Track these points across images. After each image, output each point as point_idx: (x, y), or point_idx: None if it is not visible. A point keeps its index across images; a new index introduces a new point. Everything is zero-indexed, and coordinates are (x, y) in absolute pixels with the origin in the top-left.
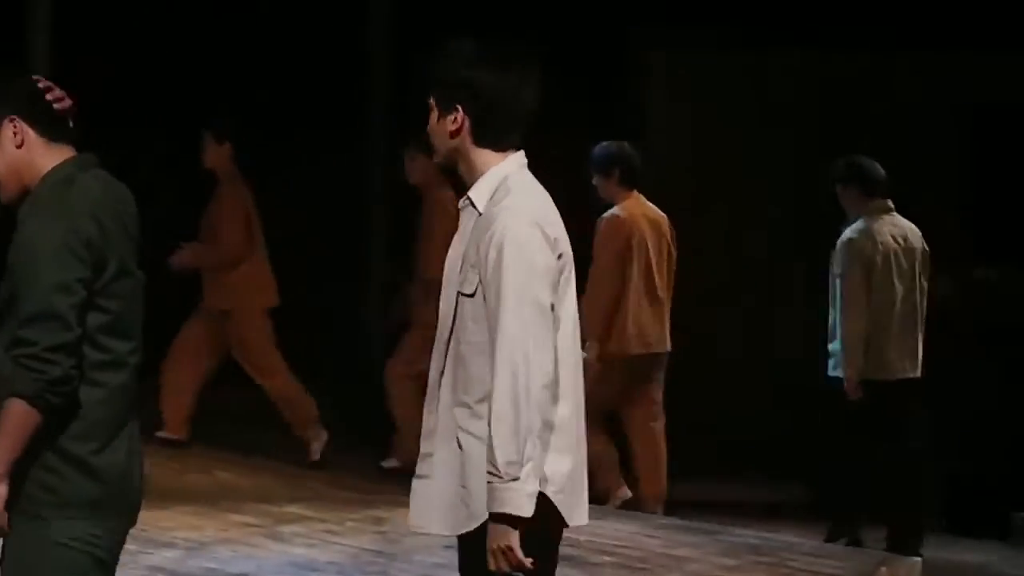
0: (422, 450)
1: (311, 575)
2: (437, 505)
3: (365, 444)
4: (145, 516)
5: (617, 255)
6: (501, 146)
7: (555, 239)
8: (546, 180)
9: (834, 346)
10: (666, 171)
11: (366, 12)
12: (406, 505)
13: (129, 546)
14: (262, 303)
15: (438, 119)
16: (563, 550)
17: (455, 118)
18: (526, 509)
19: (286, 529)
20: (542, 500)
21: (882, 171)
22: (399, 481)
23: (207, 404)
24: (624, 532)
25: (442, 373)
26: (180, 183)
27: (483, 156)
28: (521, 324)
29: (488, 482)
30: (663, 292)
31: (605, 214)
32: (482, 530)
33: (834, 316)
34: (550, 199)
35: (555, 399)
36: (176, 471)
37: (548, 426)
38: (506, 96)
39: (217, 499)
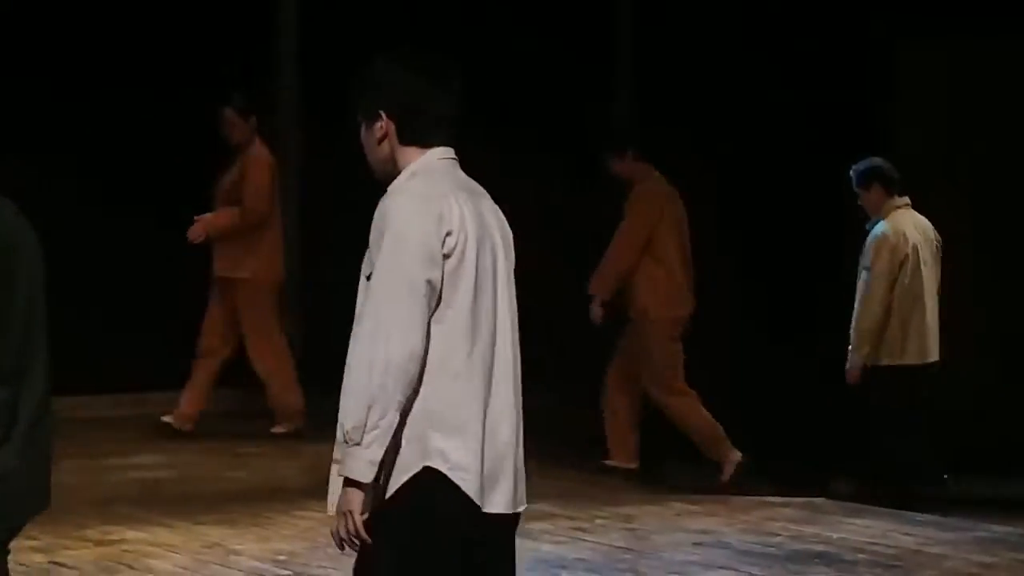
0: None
1: (560, 572)
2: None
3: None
4: None
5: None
6: (425, 142)
7: (441, 216)
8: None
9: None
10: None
11: None
12: (654, 503)
13: None
14: (274, 276)
15: (366, 131)
16: (815, 548)
17: (380, 125)
18: (365, 474)
19: (534, 526)
20: (439, 477)
21: (896, 171)
22: (643, 480)
23: None
24: (878, 529)
25: None
26: None
27: (409, 154)
28: (388, 294)
29: (338, 446)
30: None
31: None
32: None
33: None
34: (471, 189)
35: (450, 377)
36: None
37: (433, 402)
38: (420, 94)
39: None
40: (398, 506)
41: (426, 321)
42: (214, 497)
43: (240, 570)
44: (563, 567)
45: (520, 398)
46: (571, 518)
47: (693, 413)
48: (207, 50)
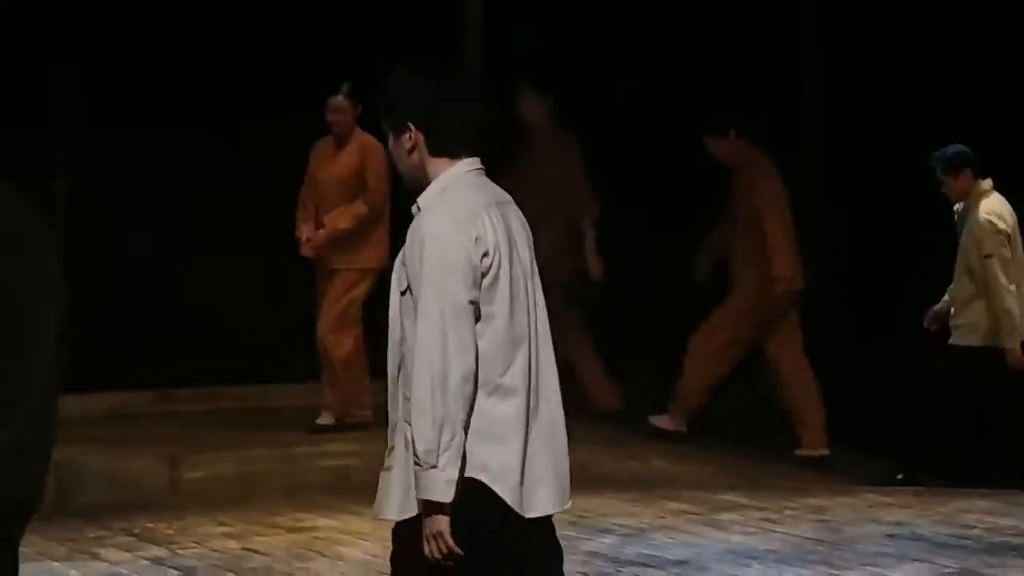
0: (388, 443)
1: (750, 563)
2: (393, 493)
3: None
4: (582, 503)
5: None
6: (453, 153)
7: (477, 238)
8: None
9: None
10: None
11: None
12: (846, 494)
13: (567, 531)
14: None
15: (394, 142)
16: (1013, 540)
17: (409, 136)
18: (445, 495)
19: (723, 517)
20: (481, 488)
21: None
22: (836, 470)
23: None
24: None
25: (399, 370)
26: None
27: (438, 165)
28: (437, 319)
29: (414, 471)
30: None
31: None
32: (417, 518)
33: (971, 291)
34: (498, 199)
35: (490, 391)
36: (610, 458)
37: (476, 416)
38: (447, 104)
39: (653, 486)
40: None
41: (475, 341)
42: None
43: None
44: (753, 558)
45: (559, 399)
46: (760, 509)
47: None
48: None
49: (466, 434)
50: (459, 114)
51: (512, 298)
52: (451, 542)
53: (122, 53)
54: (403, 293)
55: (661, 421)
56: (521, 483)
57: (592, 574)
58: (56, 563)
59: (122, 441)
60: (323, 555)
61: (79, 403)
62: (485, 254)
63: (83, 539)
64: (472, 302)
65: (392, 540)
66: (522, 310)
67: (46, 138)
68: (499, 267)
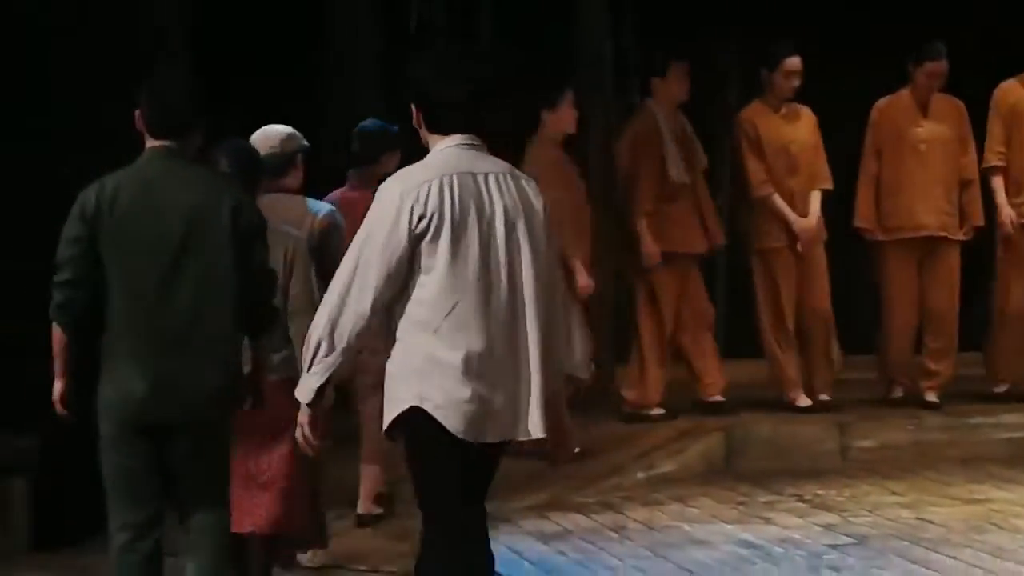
0: None
1: None
2: None
3: None
4: None
5: None
6: (443, 130)
7: (419, 200)
8: None
9: None
10: None
11: None
12: None
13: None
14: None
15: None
16: None
17: (415, 114)
18: (304, 397)
19: None
20: (424, 415)
21: None
22: None
23: None
24: None
25: None
26: None
27: (433, 140)
28: (349, 262)
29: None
30: None
31: None
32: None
33: None
34: (474, 170)
35: (432, 332)
36: None
37: (418, 353)
38: (434, 84)
39: None
40: (399, 430)
41: (378, 283)
42: None
43: None
44: None
45: (532, 341)
46: None
47: None
48: None
49: (403, 364)
50: (443, 97)
51: (452, 255)
52: (307, 432)
53: None
54: None
55: None
56: (466, 413)
57: None
58: (728, 525)
59: (788, 407)
60: (1000, 527)
61: (741, 368)
62: (422, 217)
63: (754, 503)
64: (390, 253)
65: None
66: (467, 266)
67: None
68: (438, 229)
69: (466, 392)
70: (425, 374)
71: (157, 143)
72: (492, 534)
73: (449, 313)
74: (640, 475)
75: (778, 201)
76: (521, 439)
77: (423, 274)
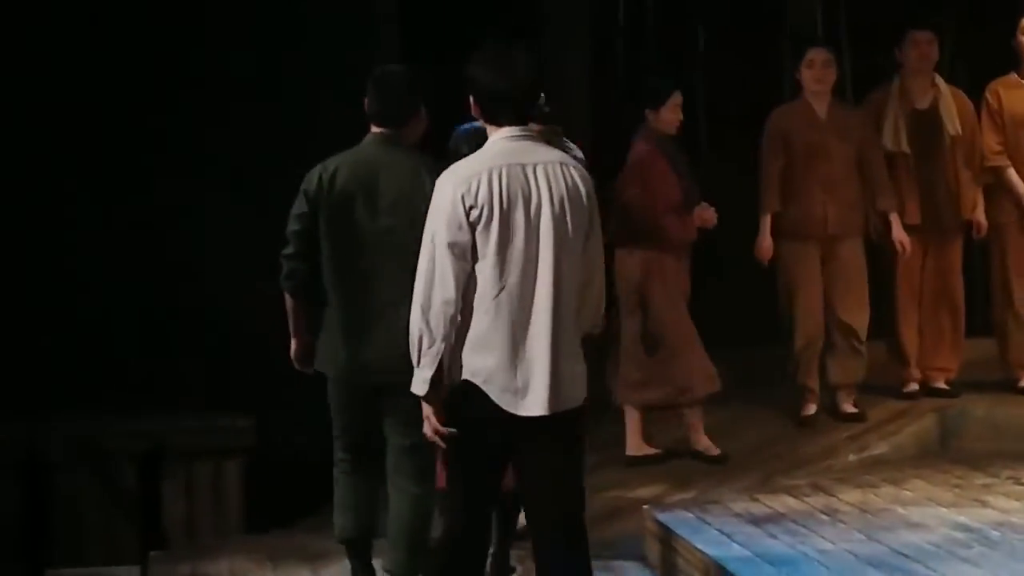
0: None
1: None
2: None
3: None
4: None
5: None
6: (496, 121)
7: (470, 192)
8: None
9: None
10: None
11: None
12: None
13: None
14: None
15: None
16: None
17: (473, 106)
18: (419, 390)
19: None
20: (473, 388)
21: None
22: None
23: None
24: None
25: None
26: None
27: (490, 131)
28: (426, 255)
29: None
30: None
31: None
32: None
33: None
34: (524, 161)
35: (484, 311)
36: None
37: (472, 331)
38: (482, 83)
39: None
40: (449, 408)
41: (456, 272)
42: None
43: None
44: None
45: (560, 322)
46: None
47: None
48: None
49: (460, 347)
50: (495, 91)
51: (500, 241)
52: (435, 423)
53: None
54: None
55: None
56: (512, 386)
57: None
58: (943, 508)
59: (1005, 388)
60: None
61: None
62: (472, 207)
63: (970, 486)
64: (453, 243)
65: None
66: (514, 251)
67: None
68: (488, 218)
69: (510, 370)
70: (475, 352)
71: (377, 129)
72: (702, 515)
73: (497, 295)
74: (852, 457)
75: (1011, 175)
76: (564, 409)
77: (480, 260)
